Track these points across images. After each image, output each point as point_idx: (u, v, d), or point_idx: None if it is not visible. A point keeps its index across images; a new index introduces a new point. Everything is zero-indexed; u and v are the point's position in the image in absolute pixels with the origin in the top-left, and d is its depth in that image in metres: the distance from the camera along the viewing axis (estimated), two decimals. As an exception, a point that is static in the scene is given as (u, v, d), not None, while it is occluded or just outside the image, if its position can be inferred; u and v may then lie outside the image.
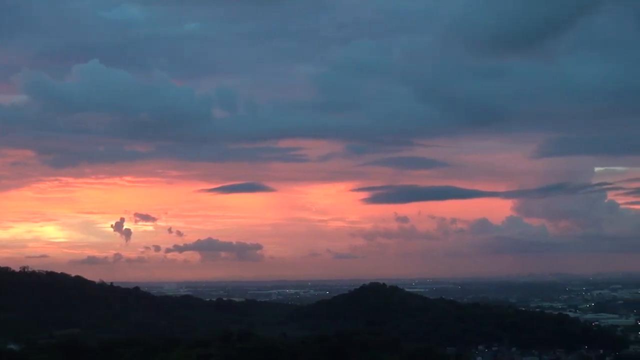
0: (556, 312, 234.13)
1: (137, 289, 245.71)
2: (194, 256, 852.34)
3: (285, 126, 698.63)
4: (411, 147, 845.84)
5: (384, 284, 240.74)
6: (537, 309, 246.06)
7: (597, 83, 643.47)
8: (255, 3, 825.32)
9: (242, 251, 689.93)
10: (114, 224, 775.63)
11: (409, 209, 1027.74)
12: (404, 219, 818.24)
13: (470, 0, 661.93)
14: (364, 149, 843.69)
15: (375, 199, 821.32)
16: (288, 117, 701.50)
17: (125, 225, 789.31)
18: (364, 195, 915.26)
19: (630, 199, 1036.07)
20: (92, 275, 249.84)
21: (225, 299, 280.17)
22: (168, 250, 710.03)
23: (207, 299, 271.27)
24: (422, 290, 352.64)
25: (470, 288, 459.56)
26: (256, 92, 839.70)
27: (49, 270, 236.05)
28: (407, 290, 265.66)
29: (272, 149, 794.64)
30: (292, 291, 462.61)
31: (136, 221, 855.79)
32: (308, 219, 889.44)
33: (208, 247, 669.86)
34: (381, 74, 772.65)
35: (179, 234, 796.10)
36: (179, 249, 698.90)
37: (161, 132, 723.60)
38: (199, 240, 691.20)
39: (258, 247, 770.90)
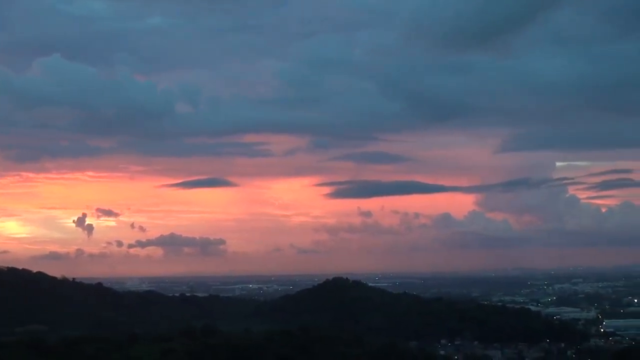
0: (518, 306, 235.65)
1: (99, 284, 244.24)
2: (157, 251, 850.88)
3: (248, 121, 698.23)
4: (375, 142, 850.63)
5: (347, 278, 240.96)
6: (500, 303, 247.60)
7: (558, 78, 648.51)
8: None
9: (206, 246, 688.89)
10: (76, 219, 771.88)
11: (373, 203, 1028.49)
12: (367, 214, 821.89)
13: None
14: (328, 143, 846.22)
15: (339, 194, 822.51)
16: (252, 112, 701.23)
17: (88, 221, 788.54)
18: (328, 190, 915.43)
19: (591, 193, 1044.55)
20: (55, 271, 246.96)
21: (188, 294, 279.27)
22: (131, 246, 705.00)
23: (170, 295, 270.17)
24: (386, 285, 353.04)
25: (434, 283, 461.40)
26: (220, 87, 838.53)
27: (10, 266, 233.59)
28: (370, 285, 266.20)
29: (236, 143, 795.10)
30: (256, 286, 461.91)
31: (98, 216, 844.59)
32: (272, 214, 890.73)
33: (171, 243, 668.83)
34: (345, 68, 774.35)
35: (142, 229, 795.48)
36: (141, 244, 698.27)
37: (124, 127, 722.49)
38: (161, 235, 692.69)
39: (221, 242, 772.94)
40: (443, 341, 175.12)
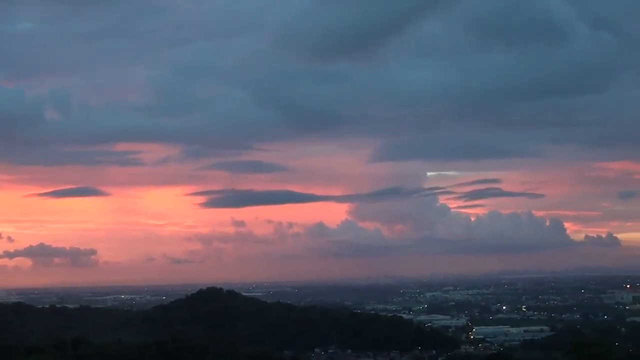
0: (391, 314, 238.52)
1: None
2: (26, 262, 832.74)
3: (120, 129, 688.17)
4: (249, 151, 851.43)
5: (221, 288, 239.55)
6: (373, 312, 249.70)
7: (427, 88, 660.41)
8: (90, 3, 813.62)
9: (76, 257, 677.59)
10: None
11: (246, 213, 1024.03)
12: (240, 224, 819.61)
13: (300, 5, 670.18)
14: (201, 152, 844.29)
15: (212, 203, 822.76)
16: (124, 120, 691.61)
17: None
18: (201, 199, 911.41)
19: (461, 203, 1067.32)
20: None
21: (58, 305, 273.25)
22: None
23: (40, 306, 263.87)
24: (260, 294, 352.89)
25: (308, 291, 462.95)
26: (91, 94, 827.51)
27: None
28: (244, 294, 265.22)
29: (107, 152, 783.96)
30: (128, 297, 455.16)
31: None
32: (144, 224, 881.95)
33: (40, 253, 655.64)
34: (218, 76, 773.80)
35: (9, 239, 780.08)
36: (9, 255, 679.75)
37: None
38: (30, 245, 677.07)
39: (92, 252, 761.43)
40: (317, 350, 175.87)
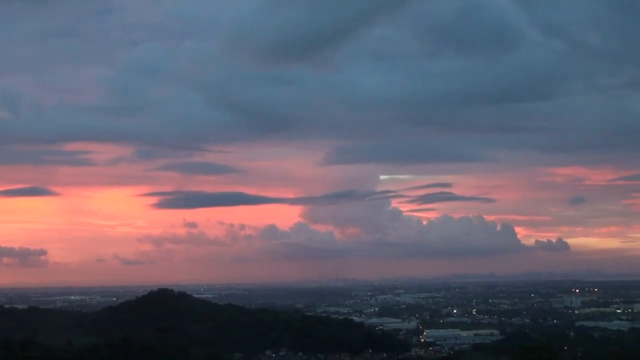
0: (342, 317, 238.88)
1: None
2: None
3: (71, 129, 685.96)
4: (201, 153, 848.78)
5: (171, 290, 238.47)
6: (324, 314, 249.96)
7: (379, 93, 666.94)
8: (41, 3, 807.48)
9: (26, 257, 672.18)
10: None
11: (198, 214, 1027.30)
12: (192, 225, 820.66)
13: (253, 8, 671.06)
14: (153, 153, 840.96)
15: (164, 204, 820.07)
16: (75, 120, 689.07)
17: None
18: (153, 200, 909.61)
19: (413, 206, 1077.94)
20: None
21: (7, 306, 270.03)
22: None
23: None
24: (212, 296, 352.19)
25: (259, 294, 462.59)
26: (42, 93, 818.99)
27: None
28: (195, 296, 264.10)
29: (59, 152, 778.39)
30: (79, 297, 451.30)
31: None
32: (95, 224, 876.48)
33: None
34: (171, 78, 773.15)
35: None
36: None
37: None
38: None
39: (42, 252, 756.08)
40: (267, 352, 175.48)
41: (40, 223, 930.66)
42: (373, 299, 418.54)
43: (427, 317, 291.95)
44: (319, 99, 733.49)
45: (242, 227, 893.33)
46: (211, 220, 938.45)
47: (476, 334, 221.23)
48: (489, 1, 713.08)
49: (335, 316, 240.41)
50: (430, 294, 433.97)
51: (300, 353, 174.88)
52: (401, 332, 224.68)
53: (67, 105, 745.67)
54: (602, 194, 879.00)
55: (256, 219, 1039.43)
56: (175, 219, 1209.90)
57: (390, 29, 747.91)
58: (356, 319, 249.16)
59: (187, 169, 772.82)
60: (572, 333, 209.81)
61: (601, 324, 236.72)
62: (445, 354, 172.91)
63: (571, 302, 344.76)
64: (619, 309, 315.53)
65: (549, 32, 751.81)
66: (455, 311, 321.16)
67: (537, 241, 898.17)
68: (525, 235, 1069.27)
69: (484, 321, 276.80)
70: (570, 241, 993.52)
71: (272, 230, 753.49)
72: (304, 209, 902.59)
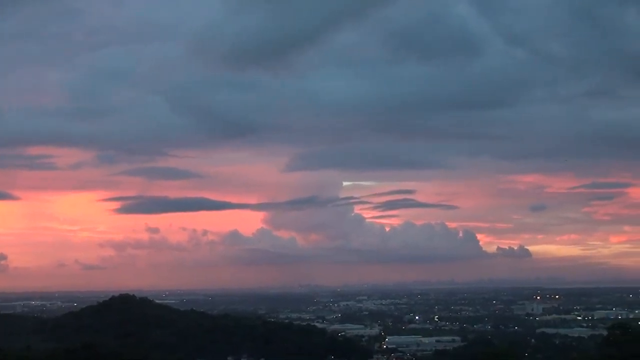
0: (304, 323, 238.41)
1: None
2: None
3: (33, 132, 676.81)
4: (164, 158, 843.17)
5: (133, 295, 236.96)
6: (286, 320, 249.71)
7: (342, 99, 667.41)
8: (1, 5, 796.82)
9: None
10: None
11: (161, 220, 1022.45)
12: (155, 230, 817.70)
13: (217, 13, 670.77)
14: (115, 158, 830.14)
15: (126, 209, 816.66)
16: (35, 124, 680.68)
17: None
18: (115, 205, 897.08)
19: (376, 213, 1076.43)
20: None
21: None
22: None
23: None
24: (173, 302, 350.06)
25: (222, 300, 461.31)
26: (2, 96, 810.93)
27: None
28: (157, 302, 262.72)
29: (19, 155, 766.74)
30: (39, 303, 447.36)
31: None
32: (56, 229, 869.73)
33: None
34: (133, 82, 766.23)
35: None
36: None
37: None
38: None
39: (2, 257, 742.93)
40: (229, 358, 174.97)
41: (0, 227, 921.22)
42: (335, 305, 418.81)
43: (390, 324, 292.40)
44: (283, 105, 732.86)
45: (205, 232, 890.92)
46: (174, 225, 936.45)
47: (438, 340, 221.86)
48: (452, 9, 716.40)
49: (297, 322, 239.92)
50: (392, 301, 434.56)
51: (262, 359, 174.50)
52: (363, 339, 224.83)
53: (28, 109, 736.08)
54: (562, 201, 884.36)
55: (219, 225, 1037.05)
56: (138, 224, 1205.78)
57: (354, 35, 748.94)
58: (319, 325, 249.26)
59: (150, 173, 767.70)
60: (533, 340, 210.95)
61: (562, 330, 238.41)
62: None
63: (532, 309, 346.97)
64: (580, 316, 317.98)
65: (512, 41, 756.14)
66: (417, 318, 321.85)
67: (498, 248, 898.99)
68: (487, 242, 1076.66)
69: (445, 328, 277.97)
70: (531, 248, 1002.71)
71: (235, 236, 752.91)
72: (267, 214, 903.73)
